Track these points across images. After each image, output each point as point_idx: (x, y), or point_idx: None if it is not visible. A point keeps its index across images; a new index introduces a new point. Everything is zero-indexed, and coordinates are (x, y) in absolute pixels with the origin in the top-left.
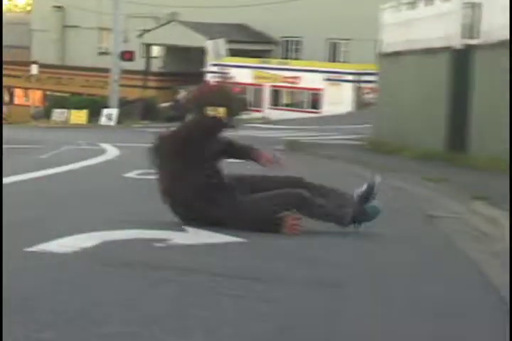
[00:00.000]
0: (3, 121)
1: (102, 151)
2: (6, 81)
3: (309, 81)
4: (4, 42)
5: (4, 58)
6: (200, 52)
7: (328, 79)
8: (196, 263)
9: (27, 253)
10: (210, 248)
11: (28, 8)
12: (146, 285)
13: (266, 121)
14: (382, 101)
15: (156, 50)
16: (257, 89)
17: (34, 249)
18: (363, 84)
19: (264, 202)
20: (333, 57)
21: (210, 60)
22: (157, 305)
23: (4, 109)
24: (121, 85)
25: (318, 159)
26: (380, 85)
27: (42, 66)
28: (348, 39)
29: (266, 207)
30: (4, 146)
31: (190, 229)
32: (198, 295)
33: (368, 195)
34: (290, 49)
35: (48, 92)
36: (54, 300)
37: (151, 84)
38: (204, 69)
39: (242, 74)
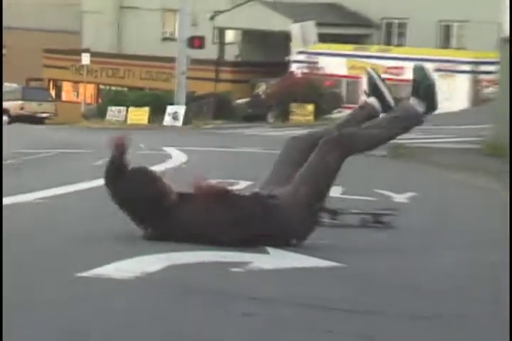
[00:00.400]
0: (49, 121)
1: (167, 157)
2: (52, 73)
3: None
4: (49, 26)
5: (50, 45)
6: (283, 38)
7: (439, 70)
8: (282, 293)
9: (78, 279)
10: (298, 273)
11: None
12: (226, 319)
13: None
14: (504, 96)
15: (230, 36)
16: (353, 81)
17: (87, 273)
18: (481, 76)
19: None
20: (445, 43)
21: (295, 47)
22: None
23: (49, 106)
24: (189, 78)
25: (428, 168)
26: (501, 77)
27: (94, 55)
28: (464, 21)
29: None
30: (50, 151)
31: (272, 251)
32: (287, 331)
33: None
34: (392, 33)
35: (102, 86)
36: (117, 336)
37: (224, 76)
38: (288, 59)
39: (335, 64)
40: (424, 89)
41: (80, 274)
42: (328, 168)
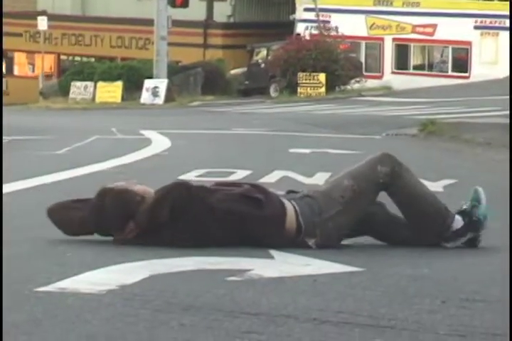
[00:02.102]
0: None
1: (146, 142)
2: None
3: (451, 30)
4: None
5: None
6: None
7: (480, 27)
8: (289, 306)
9: (39, 294)
10: (307, 282)
11: None
12: (224, 340)
13: (387, 91)
14: None
15: None
16: (374, 44)
17: (50, 288)
18: None
19: None
20: None
21: (301, 2)
22: None
23: None
24: (172, 44)
25: (467, 147)
26: None
27: (53, 18)
28: None
29: None
30: (4, 138)
31: (277, 254)
32: None
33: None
34: None
35: (64, 57)
36: None
37: (215, 41)
38: (293, 18)
39: (351, 22)
40: (475, 221)
41: (39, 289)
42: (376, 176)
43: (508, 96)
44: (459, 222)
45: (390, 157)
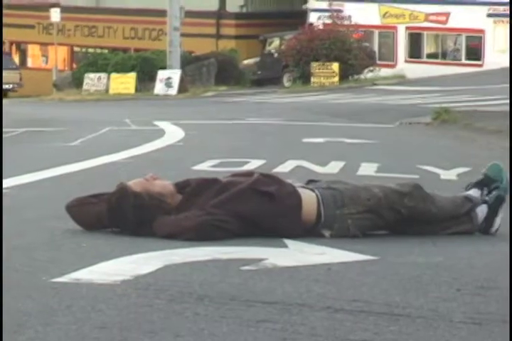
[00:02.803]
0: (13, 93)
1: (160, 133)
2: (13, 34)
3: (464, 19)
4: None
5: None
6: None
7: (494, 15)
8: (303, 295)
9: (54, 285)
10: (322, 271)
11: None
12: (237, 328)
13: (401, 80)
14: None
15: None
16: (387, 33)
17: (64, 278)
18: None
19: None
20: None
21: None
22: None
23: (13, 75)
24: (184, 35)
25: (480, 135)
26: None
27: (66, 10)
28: None
29: None
30: (15, 130)
31: (291, 243)
32: (318, 340)
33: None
34: None
35: (77, 49)
36: None
37: (228, 31)
38: (306, 7)
39: (364, 11)
40: (495, 196)
41: (55, 279)
42: (399, 205)
43: None
44: (482, 212)
45: (421, 192)
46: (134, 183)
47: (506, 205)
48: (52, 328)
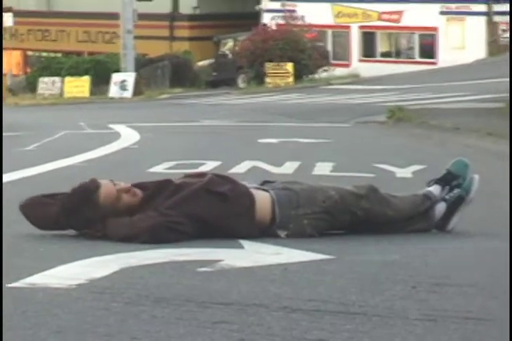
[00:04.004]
0: None
1: (115, 136)
2: None
3: (417, 16)
4: None
5: None
6: None
7: (447, 12)
8: (261, 295)
9: (10, 290)
10: (279, 271)
11: None
12: (194, 330)
13: (355, 79)
14: None
15: None
16: (340, 33)
17: (20, 283)
18: (498, 18)
19: None
20: None
21: None
22: None
23: None
24: (138, 37)
25: (435, 133)
26: None
27: (19, 14)
28: None
29: None
30: None
31: (246, 244)
32: (275, 340)
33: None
34: None
35: (30, 53)
36: None
37: (181, 33)
38: (259, 8)
39: (317, 11)
40: (455, 196)
41: (10, 285)
42: (355, 207)
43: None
44: (440, 211)
45: (377, 194)
46: (104, 184)
47: (466, 205)
48: (8, 333)
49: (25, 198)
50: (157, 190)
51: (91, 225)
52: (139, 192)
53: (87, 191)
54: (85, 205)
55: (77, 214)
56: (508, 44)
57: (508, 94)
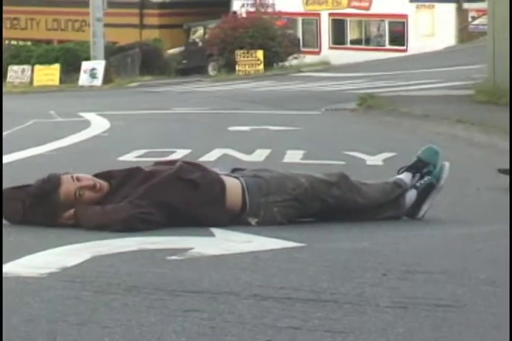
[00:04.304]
0: None
1: (85, 124)
2: None
3: (386, 4)
4: None
5: None
6: None
7: (416, 0)
8: (230, 283)
9: None
10: (249, 259)
11: None
12: (164, 319)
13: (326, 67)
14: (497, 30)
15: None
16: (310, 20)
17: None
18: (467, 5)
19: None
20: None
21: None
22: None
23: None
24: (108, 25)
25: (406, 120)
26: (492, 5)
27: None
28: None
29: None
30: None
31: (217, 231)
32: (237, 327)
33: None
34: None
35: None
36: None
37: (151, 21)
38: None
39: None
40: (426, 183)
41: None
42: (327, 195)
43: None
44: (411, 198)
45: (348, 182)
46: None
47: (437, 192)
48: None
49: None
50: (126, 178)
51: (59, 214)
52: (104, 185)
53: (45, 192)
54: (46, 204)
55: (42, 210)
56: (478, 31)
57: (479, 82)
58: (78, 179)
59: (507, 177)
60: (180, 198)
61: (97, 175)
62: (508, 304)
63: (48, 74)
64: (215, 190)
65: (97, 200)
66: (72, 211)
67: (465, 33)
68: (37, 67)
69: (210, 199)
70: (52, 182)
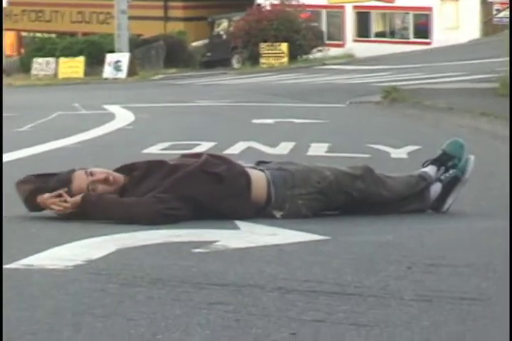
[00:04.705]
0: None
1: (110, 117)
2: None
3: None
4: None
5: None
6: None
7: None
8: (256, 276)
9: (6, 272)
10: (274, 252)
11: None
12: (189, 311)
13: (350, 59)
14: None
15: None
16: (335, 13)
17: (15, 265)
18: None
19: None
20: None
21: None
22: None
23: None
24: (132, 18)
25: (430, 113)
26: None
27: None
28: None
29: None
30: None
31: (241, 224)
32: (263, 320)
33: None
34: None
35: (24, 34)
36: None
37: (175, 13)
38: None
39: None
40: (450, 176)
41: (6, 266)
42: (351, 188)
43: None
44: (436, 191)
45: (373, 175)
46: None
47: (462, 185)
48: (5, 315)
49: (23, 177)
50: (150, 170)
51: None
52: (119, 178)
53: (58, 186)
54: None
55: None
56: (502, 24)
57: (503, 75)
58: (91, 173)
59: None
60: (205, 192)
61: (120, 168)
62: None
63: (73, 66)
64: (240, 183)
65: (112, 193)
66: (78, 197)
67: (489, 25)
68: (61, 59)
69: (236, 192)
70: (61, 181)
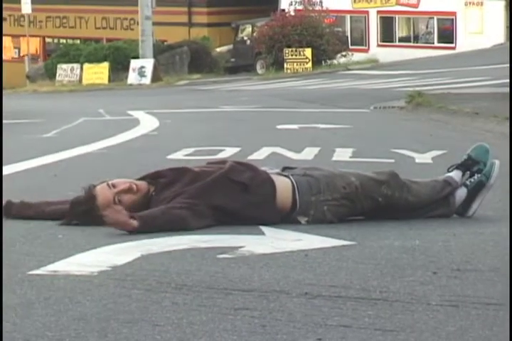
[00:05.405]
0: None
1: (134, 123)
2: None
3: (435, 1)
4: None
5: None
6: None
7: None
8: (281, 282)
9: (32, 277)
10: (300, 257)
11: None
12: (215, 317)
13: (374, 64)
14: None
15: None
16: (359, 18)
17: (41, 271)
18: None
19: None
20: None
21: None
22: None
23: None
24: (156, 23)
25: (455, 118)
26: None
27: (37, 1)
28: None
29: None
30: None
31: (267, 230)
32: (289, 326)
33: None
34: None
35: (49, 40)
36: None
37: (199, 19)
38: None
39: None
40: (476, 181)
41: (32, 272)
42: (377, 194)
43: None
44: (461, 196)
45: (398, 180)
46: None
47: (487, 190)
48: (31, 320)
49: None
50: (175, 177)
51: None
52: (142, 185)
53: (82, 210)
54: (89, 216)
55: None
56: None
57: None
58: (114, 185)
59: None
60: (230, 200)
61: (143, 177)
62: None
63: (97, 72)
64: (265, 191)
65: (138, 201)
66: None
67: None
68: (86, 65)
69: (260, 200)
70: (86, 201)
